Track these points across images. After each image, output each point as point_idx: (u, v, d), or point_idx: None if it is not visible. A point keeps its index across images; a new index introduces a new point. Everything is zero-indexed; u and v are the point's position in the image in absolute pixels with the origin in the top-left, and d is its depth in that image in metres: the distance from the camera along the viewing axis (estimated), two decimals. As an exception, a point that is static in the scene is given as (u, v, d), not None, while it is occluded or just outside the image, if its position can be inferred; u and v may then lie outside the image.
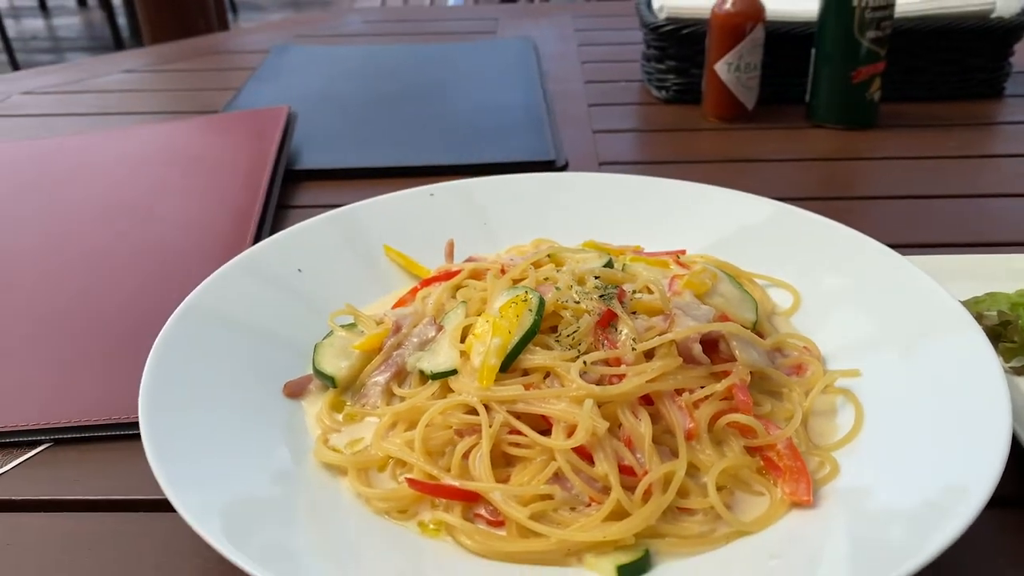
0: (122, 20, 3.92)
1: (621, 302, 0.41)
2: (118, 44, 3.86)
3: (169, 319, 0.41)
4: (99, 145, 0.72)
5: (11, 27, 4.10)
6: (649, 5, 0.88)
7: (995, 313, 0.44)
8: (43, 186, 0.66)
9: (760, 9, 0.76)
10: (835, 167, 0.71)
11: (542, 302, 0.40)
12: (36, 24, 4.30)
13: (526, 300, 0.40)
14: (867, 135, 0.76)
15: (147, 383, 0.37)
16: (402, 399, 0.40)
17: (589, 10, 1.21)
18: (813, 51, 0.77)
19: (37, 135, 0.79)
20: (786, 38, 0.80)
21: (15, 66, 3.25)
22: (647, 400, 0.37)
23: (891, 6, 0.73)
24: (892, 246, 0.47)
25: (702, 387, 0.38)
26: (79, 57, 3.78)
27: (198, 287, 0.44)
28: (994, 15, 0.81)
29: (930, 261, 0.49)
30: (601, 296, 0.41)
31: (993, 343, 0.39)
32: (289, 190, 0.67)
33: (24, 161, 0.70)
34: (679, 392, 0.37)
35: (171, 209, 0.61)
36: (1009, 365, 0.42)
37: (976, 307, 0.45)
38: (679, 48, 0.83)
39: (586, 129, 0.79)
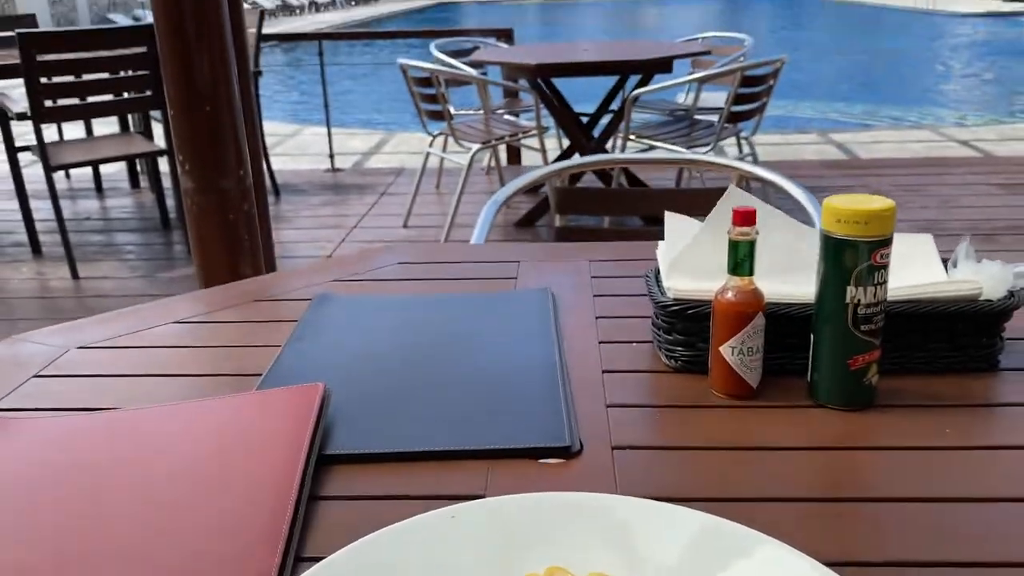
0: (171, 202, 4.18)
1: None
2: (165, 224, 4.10)
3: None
4: (127, 428, 0.78)
5: (67, 207, 4.38)
6: (658, 278, 0.95)
7: None
8: (65, 474, 0.71)
9: (760, 298, 0.82)
10: (834, 459, 0.75)
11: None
12: (91, 205, 4.59)
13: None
14: (866, 418, 0.80)
15: None
16: None
17: (607, 253, 1.30)
18: (812, 336, 0.83)
19: (83, 400, 0.85)
20: (785, 318, 0.86)
21: (67, 247, 3.45)
22: None
23: (882, 302, 0.79)
24: (884, 565, 0.49)
25: None
26: (128, 237, 4.00)
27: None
28: (982, 298, 0.87)
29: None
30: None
31: None
32: (319, 474, 0.72)
33: (54, 442, 0.75)
34: None
35: (195, 504, 0.66)
36: None
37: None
38: (686, 324, 0.89)
39: (600, 403, 0.84)
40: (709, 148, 3.59)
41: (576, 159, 1.64)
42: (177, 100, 1.79)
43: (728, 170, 1.58)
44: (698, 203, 1.60)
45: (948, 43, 18.51)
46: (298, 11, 32.12)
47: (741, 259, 0.81)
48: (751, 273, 0.82)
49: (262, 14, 4.41)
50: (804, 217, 1.49)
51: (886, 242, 0.78)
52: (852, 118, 9.95)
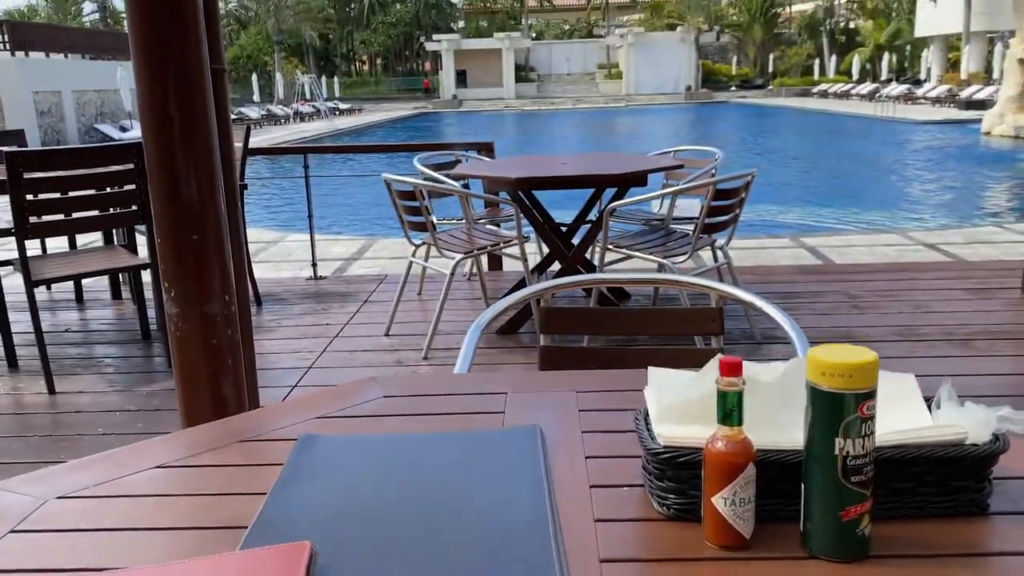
0: (152, 311, 4.16)
1: None
2: (145, 335, 4.07)
3: None
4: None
5: (47, 319, 4.35)
6: (647, 420, 0.96)
7: None
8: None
9: (750, 448, 0.83)
10: (834, 617, 0.74)
11: None
12: (71, 316, 4.56)
13: None
14: (861, 571, 0.79)
15: None
16: None
17: (593, 383, 1.30)
18: (803, 486, 0.83)
19: (62, 560, 0.83)
20: (777, 465, 0.86)
21: (45, 361, 3.40)
22: None
23: (871, 453, 0.80)
24: None
25: None
26: (108, 349, 3.96)
27: None
28: (968, 442, 0.88)
29: None
30: None
31: None
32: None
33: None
34: None
35: None
36: None
37: None
38: (677, 471, 0.89)
39: (593, 557, 0.83)
40: (686, 257, 3.66)
41: (560, 280, 1.67)
42: (164, 224, 1.81)
43: (709, 290, 1.61)
44: (678, 323, 1.62)
45: (910, 149, 19.29)
46: (283, 120, 32.97)
47: (730, 409, 0.82)
48: (740, 423, 0.82)
49: (248, 128, 4.53)
50: (783, 336, 1.51)
51: (871, 394, 0.79)
52: (823, 221, 10.24)
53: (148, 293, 4.15)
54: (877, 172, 16.04)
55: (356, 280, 5.30)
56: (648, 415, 0.96)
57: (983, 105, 24.60)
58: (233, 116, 29.88)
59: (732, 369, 0.82)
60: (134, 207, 3.58)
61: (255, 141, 6.85)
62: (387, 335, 4.02)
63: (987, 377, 3.21)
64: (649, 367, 1.02)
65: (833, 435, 0.79)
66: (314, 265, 5.38)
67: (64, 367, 3.69)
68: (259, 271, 5.58)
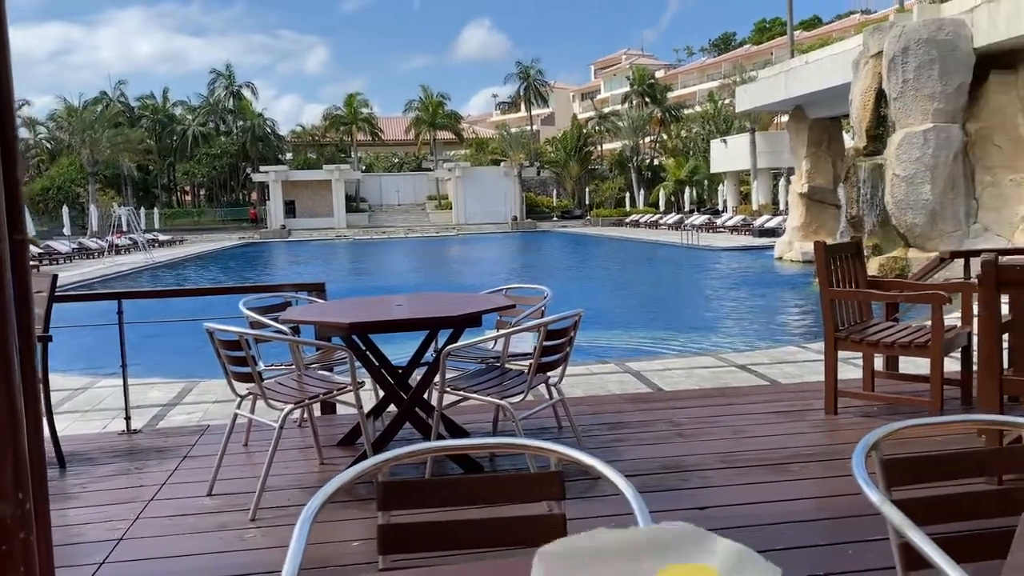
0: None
1: None
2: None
3: None
4: None
5: None
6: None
7: None
8: None
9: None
10: None
11: None
12: None
13: None
14: None
15: None
16: None
17: None
18: None
19: None
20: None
21: None
22: None
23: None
24: None
25: None
26: None
27: None
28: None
29: None
30: None
31: None
32: None
33: None
34: None
35: None
36: None
37: None
38: None
39: None
40: (522, 396, 3.71)
41: (399, 451, 1.63)
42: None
43: (549, 453, 1.62)
44: (520, 489, 1.62)
45: (716, 274, 21.06)
46: (96, 254, 31.16)
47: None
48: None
49: (55, 278, 4.21)
50: (625, 496, 1.54)
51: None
52: (645, 345, 10.83)
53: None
54: (689, 296, 17.32)
55: (175, 432, 4.93)
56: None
57: (774, 232, 27.51)
58: (39, 250, 27.88)
59: None
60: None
61: (65, 276, 6.36)
62: (210, 495, 3.73)
63: (801, 501, 3.43)
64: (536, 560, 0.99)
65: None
66: (127, 418, 4.97)
67: None
68: (63, 424, 5.07)
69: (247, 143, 52.81)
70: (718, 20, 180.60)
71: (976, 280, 3.64)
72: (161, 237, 39.26)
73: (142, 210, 43.96)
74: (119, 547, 3.22)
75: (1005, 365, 3.52)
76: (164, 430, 5.06)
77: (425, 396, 4.19)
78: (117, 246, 33.09)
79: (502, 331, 4.10)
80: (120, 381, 5.08)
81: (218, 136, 53.31)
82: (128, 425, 4.95)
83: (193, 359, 9.22)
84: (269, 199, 48.76)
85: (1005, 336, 3.55)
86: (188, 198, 57.69)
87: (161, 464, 4.24)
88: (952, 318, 5.03)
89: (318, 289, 5.22)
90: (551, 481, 1.51)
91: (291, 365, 4.47)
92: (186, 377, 7.56)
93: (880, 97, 14.29)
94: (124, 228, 35.54)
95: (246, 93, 55.65)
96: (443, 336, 4.25)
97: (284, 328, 4.28)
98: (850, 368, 5.53)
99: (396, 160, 61.02)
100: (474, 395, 3.76)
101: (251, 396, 3.99)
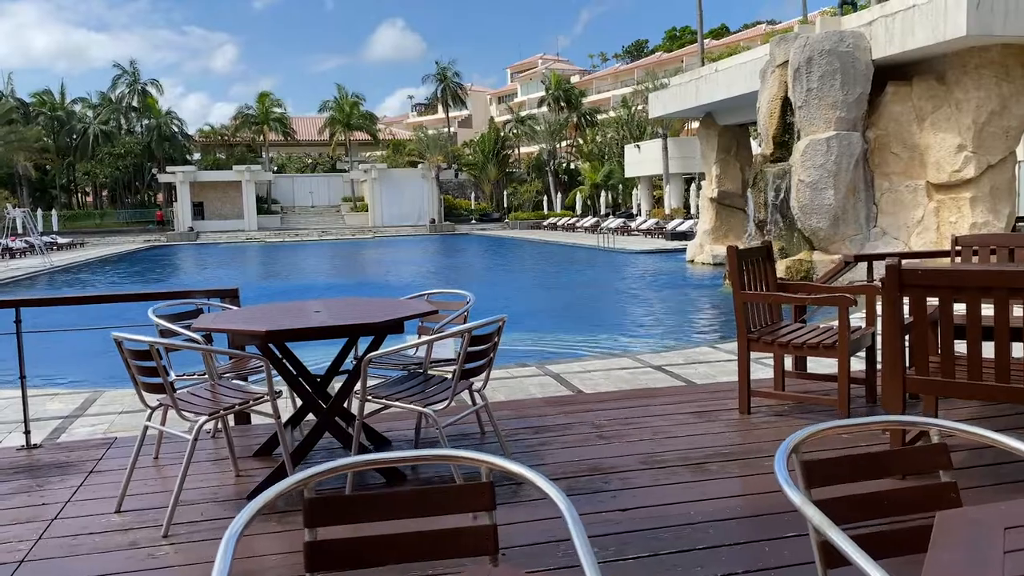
0: None
1: None
2: None
3: None
4: None
5: None
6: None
7: None
8: None
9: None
10: None
11: None
12: None
13: None
14: None
15: None
16: None
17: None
18: None
19: None
20: None
21: None
22: None
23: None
24: None
25: None
26: None
27: None
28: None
29: None
30: None
31: None
32: None
33: None
34: None
35: None
36: None
37: None
38: None
39: None
40: (446, 404, 3.68)
41: (324, 465, 1.59)
42: None
43: (479, 463, 1.61)
44: (450, 501, 1.60)
45: (632, 276, 21.45)
46: (-12, 256, 29.47)
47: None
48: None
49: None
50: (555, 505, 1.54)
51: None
52: (564, 347, 10.93)
53: None
54: (607, 298, 17.58)
55: (79, 446, 4.69)
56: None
57: (686, 236, 28.24)
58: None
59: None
60: None
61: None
62: (118, 512, 3.56)
63: (722, 500, 3.51)
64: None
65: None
66: (27, 432, 4.70)
67: None
68: (-47, 443, 4.76)
69: (153, 142, 50.82)
70: (630, 27, 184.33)
71: (880, 283, 3.82)
72: (60, 240, 37.41)
73: (39, 212, 41.79)
74: (21, 570, 3.04)
75: (907, 365, 3.70)
76: (67, 444, 4.80)
77: (345, 405, 4.11)
78: (11, 249, 31.36)
79: (424, 337, 4.06)
80: (18, 392, 4.80)
81: (122, 135, 51.13)
82: (28, 440, 4.68)
83: (94, 367, 8.82)
84: (176, 201, 47.09)
85: (907, 337, 3.74)
86: (90, 199, 55.09)
87: (64, 480, 4.02)
88: (856, 318, 5.27)
89: (231, 295, 5.06)
90: (482, 492, 1.50)
91: (204, 374, 4.31)
92: (89, 387, 7.22)
93: (786, 105, 14.85)
94: (19, 231, 33.71)
95: (151, 91, 53.54)
96: (363, 343, 4.18)
97: (196, 336, 4.13)
98: (761, 368, 5.71)
99: (310, 161, 59.83)
100: (396, 403, 3.71)
101: (162, 407, 3.83)
